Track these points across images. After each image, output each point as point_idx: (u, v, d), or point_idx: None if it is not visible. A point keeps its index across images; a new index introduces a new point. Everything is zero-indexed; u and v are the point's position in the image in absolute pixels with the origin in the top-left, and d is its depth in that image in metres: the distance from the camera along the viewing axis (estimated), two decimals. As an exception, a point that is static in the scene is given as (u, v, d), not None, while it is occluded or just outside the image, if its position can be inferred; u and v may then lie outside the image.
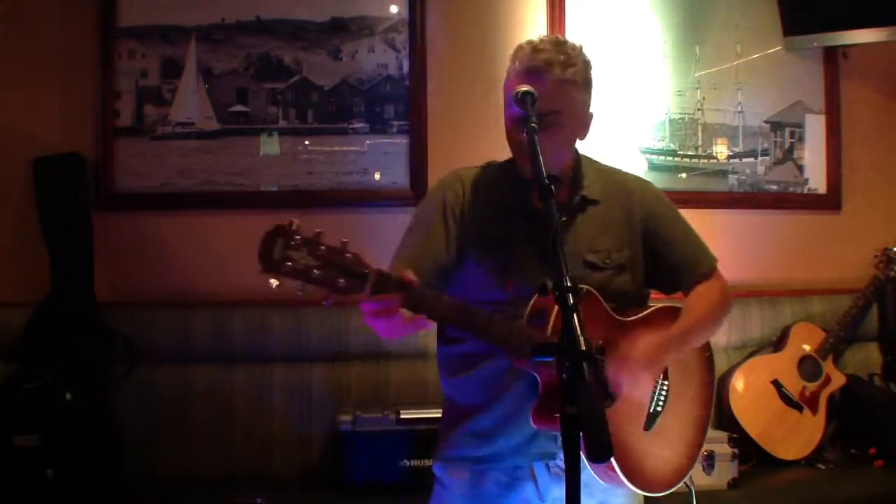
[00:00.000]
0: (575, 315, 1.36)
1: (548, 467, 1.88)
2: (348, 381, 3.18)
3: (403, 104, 3.46)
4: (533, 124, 1.68)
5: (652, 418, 1.90)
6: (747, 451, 3.10)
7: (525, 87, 1.73)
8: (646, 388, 1.88)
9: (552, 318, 1.71)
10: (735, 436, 3.01)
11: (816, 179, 3.77)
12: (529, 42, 1.87)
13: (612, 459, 1.80)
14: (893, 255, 3.50)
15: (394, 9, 3.47)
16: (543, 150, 1.73)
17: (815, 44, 3.63)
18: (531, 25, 3.54)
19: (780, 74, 3.73)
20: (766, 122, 3.74)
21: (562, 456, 1.82)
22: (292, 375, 3.17)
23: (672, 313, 1.96)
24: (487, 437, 1.90)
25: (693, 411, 2.00)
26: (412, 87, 3.45)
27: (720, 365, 3.40)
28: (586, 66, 1.88)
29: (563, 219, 1.88)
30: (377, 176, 3.45)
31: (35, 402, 2.84)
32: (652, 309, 1.96)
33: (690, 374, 2.00)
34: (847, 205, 3.78)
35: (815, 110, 3.76)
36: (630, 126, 3.60)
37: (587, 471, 1.80)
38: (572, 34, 3.53)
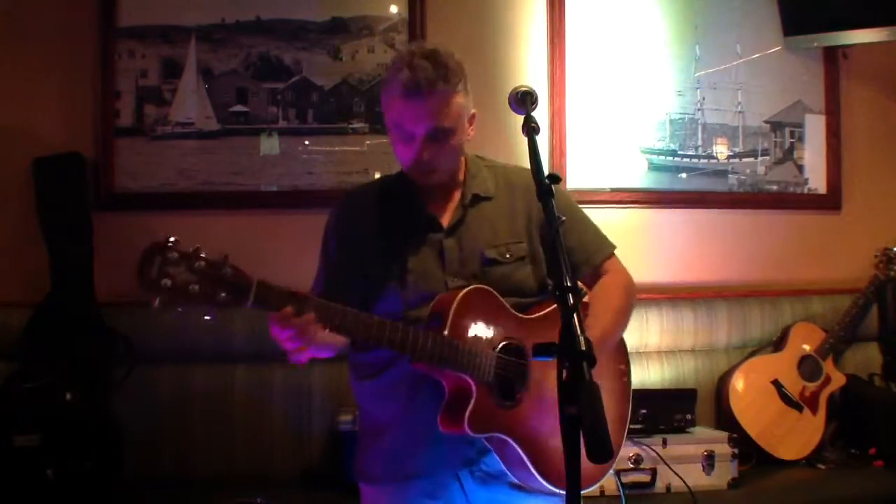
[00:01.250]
0: (575, 315, 1.36)
1: (472, 473, 1.87)
2: (348, 381, 3.15)
3: (403, 104, 3.46)
4: (533, 125, 1.68)
5: None
6: (747, 451, 3.10)
7: (525, 88, 1.73)
8: (552, 384, 1.88)
9: (449, 321, 1.75)
10: (735, 436, 3.00)
11: (816, 179, 3.77)
12: (402, 60, 1.85)
13: (529, 463, 1.80)
14: (893, 255, 3.49)
15: (394, 9, 3.47)
16: (438, 163, 1.82)
17: (815, 44, 3.62)
18: (531, 25, 3.54)
19: (780, 74, 3.73)
20: (766, 122, 3.74)
21: (483, 461, 1.84)
22: (292, 375, 3.16)
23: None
24: (406, 454, 1.89)
25: (610, 403, 1.95)
26: (412, 87, 3.45)
27: (720, 365, 3.42)
28: (462, 68, 1.88)
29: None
30: (377, 176, 3.44)
31: (35, 402, 2.84)
32: (553, 306, 1.92)
33: (601, 367, 1.97)
34: (847, 205, 3.77)
35: (815, 110, 3.76)
36: (630, 126, 3.58)
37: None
38: (572, 34, 3.54)
